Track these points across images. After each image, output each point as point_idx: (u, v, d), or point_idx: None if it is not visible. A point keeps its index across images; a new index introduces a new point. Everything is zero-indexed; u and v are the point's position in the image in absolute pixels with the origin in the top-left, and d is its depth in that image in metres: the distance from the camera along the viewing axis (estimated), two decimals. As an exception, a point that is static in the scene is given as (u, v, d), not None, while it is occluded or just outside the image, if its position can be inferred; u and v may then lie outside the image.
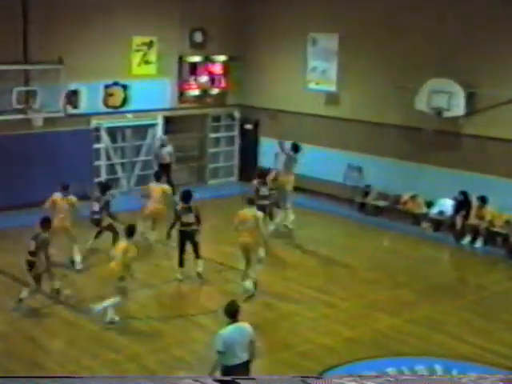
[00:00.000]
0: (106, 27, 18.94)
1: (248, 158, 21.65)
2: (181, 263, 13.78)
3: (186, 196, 13.84)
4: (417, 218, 17.63)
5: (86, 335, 11.53)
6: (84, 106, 18.75)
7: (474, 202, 16.54)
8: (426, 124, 17.20)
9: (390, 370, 10.13)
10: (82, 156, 18.58)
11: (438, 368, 10.36)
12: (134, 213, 15.90)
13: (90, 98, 18.82)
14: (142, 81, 19.70)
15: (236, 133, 22.16)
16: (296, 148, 17.09)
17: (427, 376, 9.10)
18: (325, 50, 19.37)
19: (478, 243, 16.28)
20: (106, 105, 19.42)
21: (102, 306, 11.74)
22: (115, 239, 14.00)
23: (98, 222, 14.80)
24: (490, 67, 16.47)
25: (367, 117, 18.75)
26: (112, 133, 19.90)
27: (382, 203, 18.48)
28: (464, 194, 16.67)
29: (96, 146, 19.41)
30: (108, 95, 19.39)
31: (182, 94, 20.64)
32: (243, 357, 8.26)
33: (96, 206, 14.79)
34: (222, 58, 21.02)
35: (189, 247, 13.79)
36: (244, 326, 8.37)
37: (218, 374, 8.06)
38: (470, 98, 16.69)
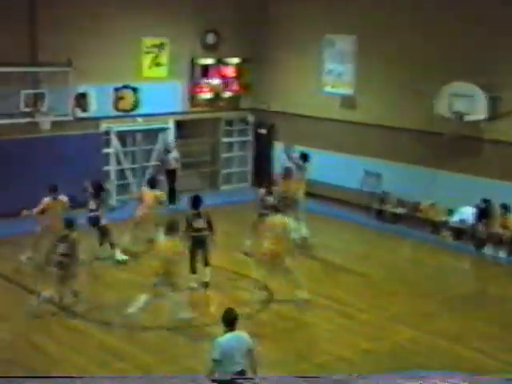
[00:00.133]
0: (115, 28, 18.96)
1: (262, 164, 21.55)
2: (193, 270, 13.70)
3: (195, 201, 13.79)
4: (436, 227, 17.47)
5: (95, 344, 11.45)
6: (93, 109, 18.74)
7: (497, 210, 16.37)
8: (447, 129, 17.04)
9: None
10: (91, 161, 18.52)
11: (459, 382, 10.17)
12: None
13: (99, 101, 18.81)
14: (152, 83, 19.67)
15: (250, 137, 22.08)
16: (305, 157, 16.95)
17: None
18: (341, 52, 19.28)
19: (501, 253, 16.09)
20: (116, 108, 19.40)
21: (135, 307, 11.84)
22: (103, 240, 14.57)
23: (95, 221, 14.88)
24: (513, 70, 16.34)
25: (385, 121, 18.62)
26: (122, 137, 19.87)
27: (400, 210, 18.33)
28: (486, 201, 16.50)
29: (105, 150, 19.38)
30: (118, 98, 19.38)
31: (193, 98, 20.60)
32: (240, 366, 8.23)
33: (93, 205, 14.94)
34: (235, 60, 20.97)
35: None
36: (242, 334, 8.35)
37: None
38: (492, 101, 16.52)
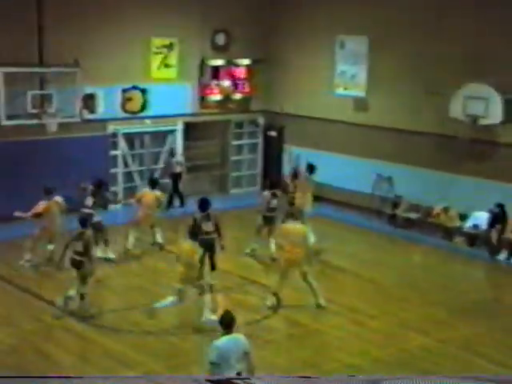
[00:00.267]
0: (124, 28, 19.05)
1: (272, 167, 21.61)
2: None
3: (204, 204, 13.89)
4: (450, 232, 17.47)
5: (100, 350, 11.53)
6: (101, 110, 18.85)
7: (511, 216, 16.36)
8: (461, 132, 17.05)
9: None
10: (98, 163, 18.61)
11: None
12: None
13: (107, 103, 18.92)
14: (161, 85, 19.77)
15: (260, 140, 22.16)
16: (311, 168, 16.99)
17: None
18: (354, 54, 19.33)
19: (516, 259, 16.10)
20: (124, 110, 19.51)
21: (161, 304, 12.08)
22: (97, 238, 14.56)
23: (86, 217, 14.80)
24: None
25: (398, 124, 18.64)
26: (130, 139, 19.99)
27: (412, 215, 18.34)
28: (500, 206, 16.48)
29: (113, 152, 19.50)
30: (126, 100, 19.48)
31: (203, 99, 20.68)
32: (237, 368, 8.32)
33: (89, 201, 15.13)
34: (246, 61, 21.04)
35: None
36: (239, 336, 8.44)
37: None
38: (508, 104, 16.51)
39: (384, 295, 14.10)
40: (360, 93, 19.37)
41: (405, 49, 18.37)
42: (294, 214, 13.55)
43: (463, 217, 17.41)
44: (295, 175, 17.56)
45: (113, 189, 19.34)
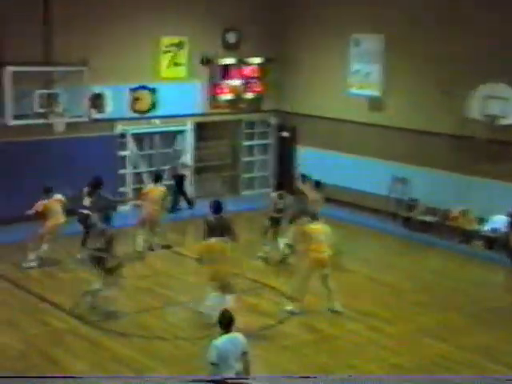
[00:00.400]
0: (132, 26, 19.10)
1: (284, 168, 21.61)
2: None
3: (216, 206, 13.92)
4: (467, 236, 17.42)
5: (109, 355, 11.53)
6: (109, 110, 18.90)
7: (532, 219, 16.33)
8: (479, 132, 16.99)
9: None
10: (106, 164, 18.67)
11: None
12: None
13: (115, 102, 18.97)
14: (171, 84, 19.80)
15: (271, 140, 22.16)
16: (318, 185, 16.88)
17: None
18: (368, 52, 19.31)
19: (536, 263, 16.04)
20: (133, 109, 19.55)
21: (208, 307, 12.17)
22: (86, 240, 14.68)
23: (84, 218, 15.26)
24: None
25: (414, 124, 18.61)
26: (138, 139, 20.03)
27: (429, 218, 18.29)
28: (519, 209, 16.45)
29: (121, 153, 19.54)
30: (135, 99, 19.52)
31: (213, 99, 20.70)
32: (236, 368, 8.42)
33: (87, 201, 15.40)
34: (257, 60, 21.06)
35: None
36: (237, 336, 8.54)
37: None
38: (528, 104, 16.50)
39: (400, 300, 14.07)
40: (375, 92, 19.35)
41: (421, 47, 18.34)
42: (315, 214, 13.55)
43: (481, 220, 17.36)
44: (303, 180, 17.48)
45: (121, 190, 19.43)
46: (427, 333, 12.57)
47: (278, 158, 22.17)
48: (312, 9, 20.69)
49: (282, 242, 15.95)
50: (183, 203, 19.92)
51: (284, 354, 11.65)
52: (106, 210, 14.17)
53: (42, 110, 17.33)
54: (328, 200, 17.42)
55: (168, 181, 19.39)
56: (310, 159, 20.86)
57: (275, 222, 15.91)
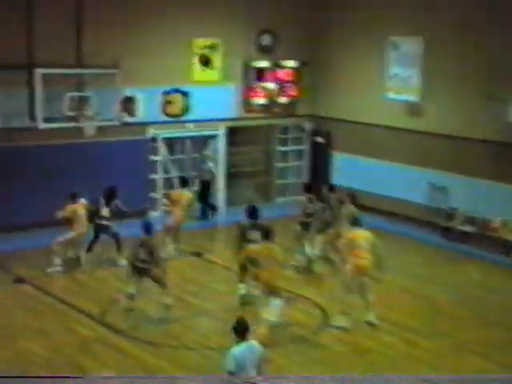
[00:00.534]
0: (165, 28, 19.16)
1: (319, 175, 21.49)
2: (242, 280, 13.92)
3: (252, 212, 13.94)
4: (508, 247, 17.17)
5: (137, 365, 11.53)
6: (140, 114, 18.96)
7: None
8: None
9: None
10: (136, 168, 18.80)
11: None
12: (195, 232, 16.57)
13: (147, 105, 19.03)
14: (203, 87, 19.82)
15: (306, 146, 22.08)
16: (353, 198, 16.58)
17: None
18: (407, 55, 19.16)
19: None
20: (165, 113, 19.60)
21: (271, 317, 12.18)
22: (119, 249, 15.59)
23: (104, 228, 15.68)
24: None
25: (454, 130, 18.41)
26: (170, 144, 20.07)
27: (468, 228, 18.07)
28: None
29: (152, 157, 19.59)
30: (167, 102, 19.57)
31: (247, 103, 20.68)
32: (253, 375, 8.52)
33: (105, 211, 15.70)
34: (292, 63, 21.00)
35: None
36: (253, 343, 8.65)
37: None
38: None
39: (438, 313, 13.89)
40: (413, 97, 19.18)
41: (462, 50, 18.14)
42: (356, 220, 13.44)
43: (524, 231, 17.12)
44: (331, 189, 17.22)
45: (151, 195, 19.49)
46: (466, 348, 12.35)
47: (312, 164, 22.08)
48: (349, 11, 20.59)
49: (310, 251, 15.94)
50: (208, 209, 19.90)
51: (316, 367, 11.55)
52: (146, 220, 14.32)
53: (72, 113, 17.41)
54: (363, 208, 17.26)
55: (195, 186, 19.46)
56: (345, 165, 20.76)
57: (305, 227, 15.95)
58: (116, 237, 15.82)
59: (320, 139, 21.70)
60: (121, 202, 15.98)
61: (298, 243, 16.04)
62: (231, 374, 8.40)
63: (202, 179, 19.94)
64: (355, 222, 13.41)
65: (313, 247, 16.15)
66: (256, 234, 13.71)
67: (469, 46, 18.01)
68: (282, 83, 20.93)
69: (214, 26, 19.91)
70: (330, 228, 15.98)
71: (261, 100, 20.74)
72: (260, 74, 20.70)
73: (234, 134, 20.83)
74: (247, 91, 20.63)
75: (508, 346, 12.57)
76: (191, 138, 20.33)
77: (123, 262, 15.61)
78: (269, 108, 21.01)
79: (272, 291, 12.26)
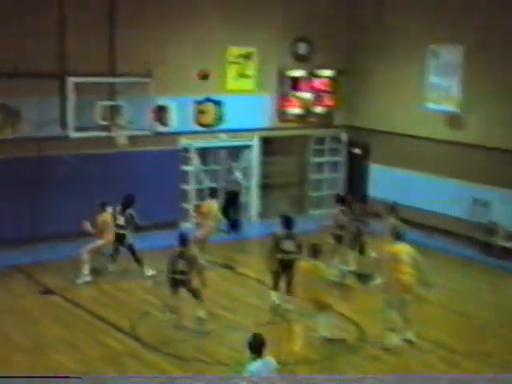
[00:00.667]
0: (199, 37, 19.23)
1: (355, 188, 21.37)
2: (276, 287, 14.00)
3: (287, 222, 14.01)
4: (553, 264, 16.95)
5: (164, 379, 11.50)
6: (173, 123, 19.03)
7: None
8: None
9: None
10: (168, 178, 18.84)
11: None
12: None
13: (179, 115, 19.11)
14: (237, 96, 19.85)
15: (342, 158, 21.98)
16: (393, 210, 16.33)
17: None
18: (447, 65, 19.03)
19: None
20: (197, 123, 19.65)
21: (325, 333, 12.49)
22: (137, 260, 15.86)
23: (121, 238, 15.78)
24: None
25: (496, 143, 18.21)
26: (203, 154, 20.11)
27: (510, 244, 17.83)
28: None
29: (184, 168, 19.63)
30: (199, 112, 19.62)
31: (281, 112, 20.67)
32: None
33: (121, 220, 15.81)
34: (329, 72, 20.96)
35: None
36: (269, 359, 8.68)
37: None
38: None
39: (479, 332, 13.68)
40: (454, 107, 19.02)
41: (505, 59, 17.96)
42: (399, 234, 13.23)
43: None
44: (363, 201, 17.31)
45: (183, 206, 19.53)
46: (510, 370, 12.12)
47: (348, 176, 21.97)
48: (387, 19, 20.52)
49: (342, 266, 15.97)
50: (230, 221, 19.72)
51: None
52: (182, 231, 14.41)
53: (104, 123, 17.50)
54: (402, 221, 17.09)
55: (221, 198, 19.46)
56: (381, 177, 20.63)
57: (337, 240, 15.98)
58: (131, 248, 15.89)
59: (357, 150, 21.61)
60: (135, 212, 15.94)
61: (332, 257, 15.92)
62: None
63: (227, 190, 19.90)
64: (398, 236, 13.19)
65: (345, 262, 16.08)
66: (290, 245, 13.79)
67: (510, 55, 17.82)
68: (317, 92, 20.89)
69: (249, 35, 19.95)
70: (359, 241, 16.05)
71: (296, 110, 20.73)
72: (295, 83, 20.70)
73: (267, 144, 20.82)
74: (282, 101, 20.62)
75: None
76: (225, 148, 20.35)
77: (150, 271, 15.73)
78: (304, 118, 20.97)
79: (322, 307, 12.47)
